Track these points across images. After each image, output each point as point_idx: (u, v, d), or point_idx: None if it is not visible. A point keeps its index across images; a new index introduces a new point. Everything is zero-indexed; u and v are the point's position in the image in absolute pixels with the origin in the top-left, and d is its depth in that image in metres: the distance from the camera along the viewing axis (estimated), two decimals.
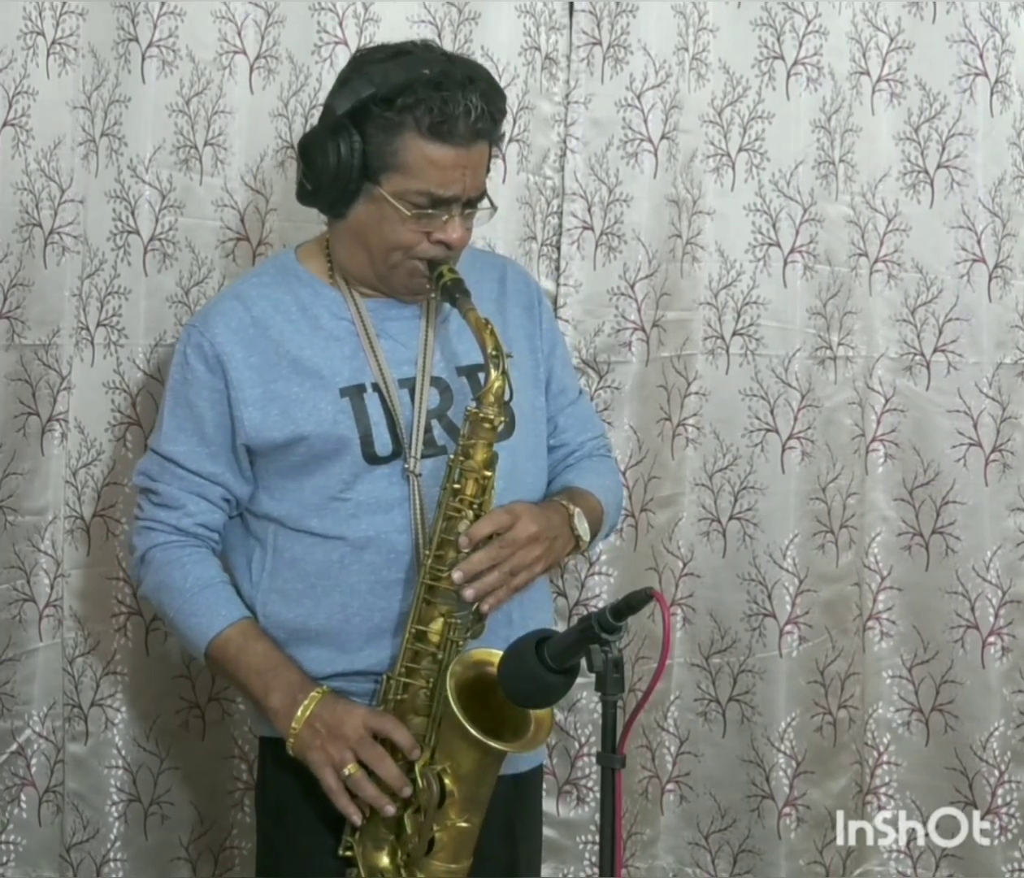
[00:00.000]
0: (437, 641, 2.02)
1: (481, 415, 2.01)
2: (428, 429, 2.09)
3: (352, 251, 2.10)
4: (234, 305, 2.11)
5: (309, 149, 2.06)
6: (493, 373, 2.00)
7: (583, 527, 2.13)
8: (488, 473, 2.03)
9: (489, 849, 2.08)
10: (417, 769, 2.00)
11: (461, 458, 2.02)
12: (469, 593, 2.00)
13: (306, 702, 2.02)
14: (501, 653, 1.93)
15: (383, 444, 2.07)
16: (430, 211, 2.02)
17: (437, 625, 2.02)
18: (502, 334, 2.06)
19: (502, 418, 2.02)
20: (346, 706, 2.03)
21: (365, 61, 2.06)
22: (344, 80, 2.06)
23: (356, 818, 2.02)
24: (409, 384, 2.09)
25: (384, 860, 2.05)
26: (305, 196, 2.10)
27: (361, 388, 2.08)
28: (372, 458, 2.07)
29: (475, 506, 2.02)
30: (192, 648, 2.12)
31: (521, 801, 2.21)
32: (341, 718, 2.01)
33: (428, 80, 2.00)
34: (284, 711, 2.04)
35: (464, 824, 2.01)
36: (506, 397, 2.02)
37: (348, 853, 2.07)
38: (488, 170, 2.10)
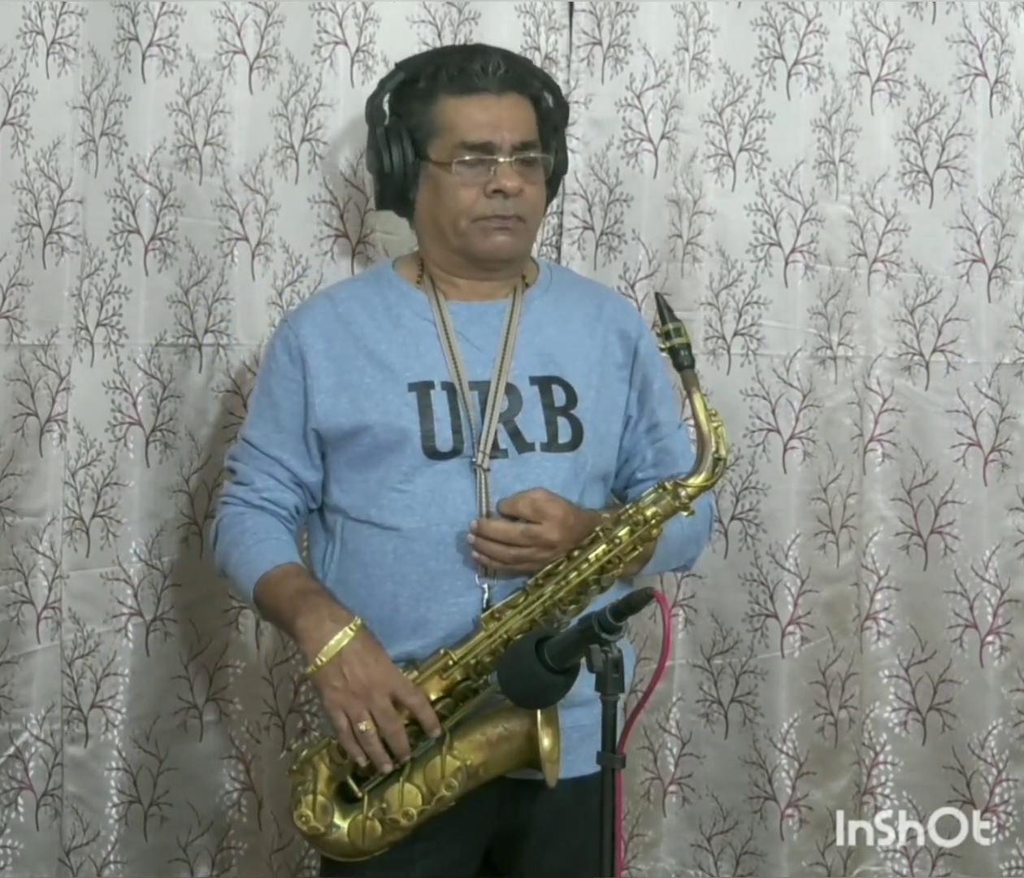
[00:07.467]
0: None
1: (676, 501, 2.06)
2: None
3: (431, 239, 2.21)
4: (323, 303, 2.26)
5: (370, 159, 2.24)
6: (705, 474, 2.06)
7: None
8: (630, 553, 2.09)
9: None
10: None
11: (630, 512, 2.07)
12: (470, 538, 2.08)
13: (339, 636, 2.05)
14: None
15: (444, 440, 2.12)
16: (468, 158, 2.13)
17: None
18: (588, 355, 2.20)
19: (692, 512, 2.07)
20: (378, 664, 2.06)
21: (396, 65, 2.26)
22: (379, 83, 2.25)
23: (361, 760, 2.05)
24: (480, 387, 2.15)
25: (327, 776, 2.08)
26: (382, 202, 2.26)
27: (429, 385, 2.14)
28: (432, 453, 2.12)
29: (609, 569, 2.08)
30: (244, 595, 2.19)
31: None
32: (372, 679, 2.04)
33: (450, 50, 2.33)
34: (309, 633, 2.07)
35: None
36: (695, 502, 2.07)
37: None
38: (549, 129, 2.21)
